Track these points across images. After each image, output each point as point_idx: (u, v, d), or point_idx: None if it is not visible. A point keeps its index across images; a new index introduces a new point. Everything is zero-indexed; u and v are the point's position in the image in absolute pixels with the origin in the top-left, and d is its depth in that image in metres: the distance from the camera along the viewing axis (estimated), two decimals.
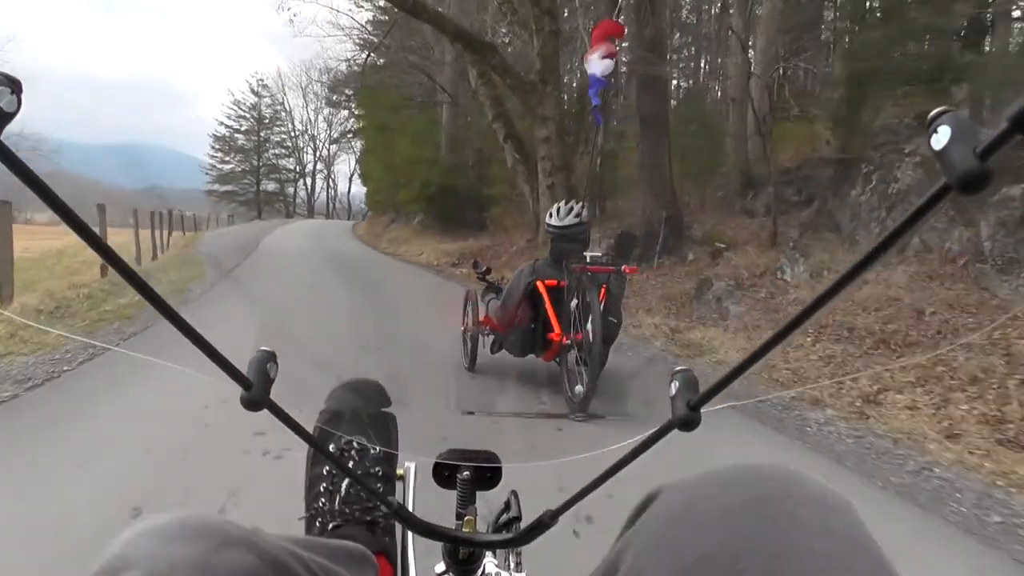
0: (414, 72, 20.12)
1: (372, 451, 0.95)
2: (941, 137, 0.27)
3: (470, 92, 16.45)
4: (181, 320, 0.41)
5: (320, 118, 53.10)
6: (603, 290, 3.93)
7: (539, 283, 4.24)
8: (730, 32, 12.54)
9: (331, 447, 0.94)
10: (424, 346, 5.65)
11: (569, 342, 3.95)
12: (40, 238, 17.11)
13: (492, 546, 0.67)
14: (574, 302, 3.94)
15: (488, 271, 5.13)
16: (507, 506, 0.81)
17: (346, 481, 0.92)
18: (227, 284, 9.06)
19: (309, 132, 54.00)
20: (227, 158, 49.62)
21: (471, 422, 3.64)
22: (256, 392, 0.45)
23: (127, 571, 0.41)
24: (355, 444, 0.95)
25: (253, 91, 49.68)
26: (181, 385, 3.63)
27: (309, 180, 54.48)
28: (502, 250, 13.15)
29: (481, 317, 4.69)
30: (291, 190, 53.47)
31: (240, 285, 9.25)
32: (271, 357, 0.47)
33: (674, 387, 0.46)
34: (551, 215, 4.51)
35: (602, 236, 10.29)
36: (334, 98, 38.54)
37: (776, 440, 3.66)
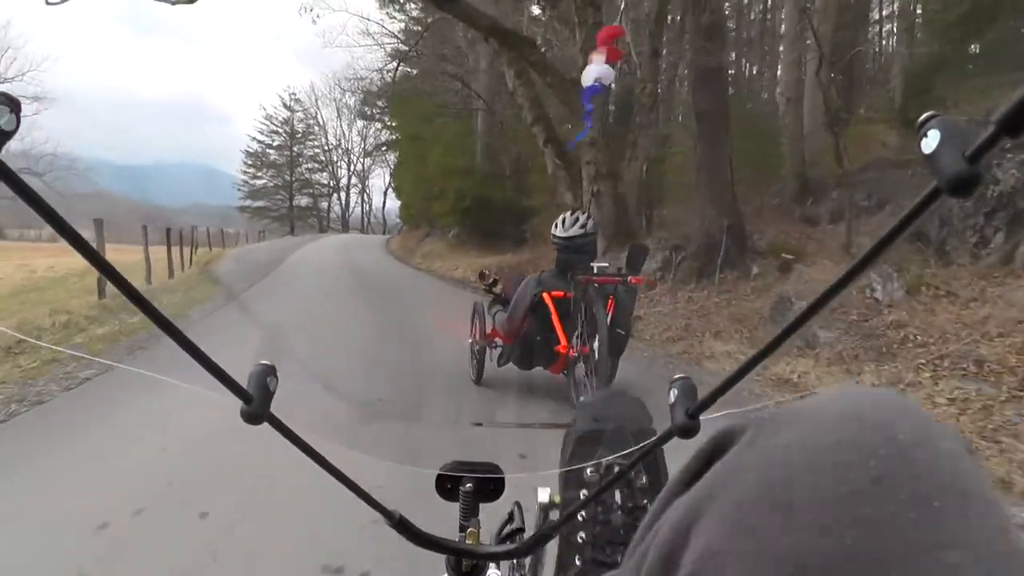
0: (447, 79, 19.42)
1: None
2: (931, 141, 0.27)
3: (506, 97, 15.68)
4: (180, 334, 0.39)
5: (354, 131, 52.75)
6: (611, 302, 3.99)
7: (545, 295, 4.22)
8: (802, 20, 11.55)
9: None
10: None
11: (576, 354, 3.91)
12: (69, 256, 16.73)
13: (495, 558, 0.67)
14: (581, 314, 3.90)
15: (495, 283, 5.03)
16: (511, 517, 0.79)
17: None
18: (233, 307, 8.21)
19: (343, 146, 53.73)
20: (259, 173, 49.70)
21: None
22: (256, 406, 0.43)
23: None
24: None
25: (286, 105, 49.72)
26: (80, 490, 2.59)
27: (343, 194, 54.24)
28: (543, 264, 12.27)
29: (488, 330, 4.71)
30: (325, 205, 53.25)
31: (246, 310, 8.37)
32: (271, 371, 0.45)
33: (673, 395, 0.45)
34: (556, 225, 4.45)
35: (657, 248, 9.31)
36: (366, 110, 38.05)
37: None
